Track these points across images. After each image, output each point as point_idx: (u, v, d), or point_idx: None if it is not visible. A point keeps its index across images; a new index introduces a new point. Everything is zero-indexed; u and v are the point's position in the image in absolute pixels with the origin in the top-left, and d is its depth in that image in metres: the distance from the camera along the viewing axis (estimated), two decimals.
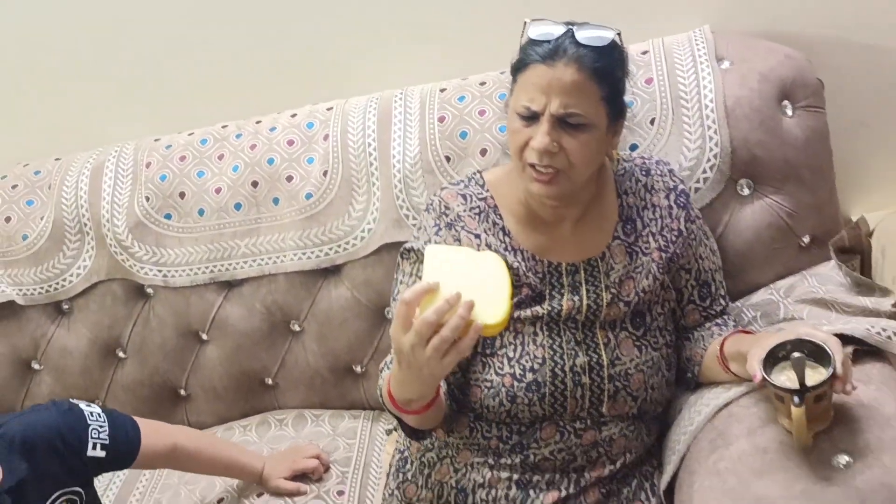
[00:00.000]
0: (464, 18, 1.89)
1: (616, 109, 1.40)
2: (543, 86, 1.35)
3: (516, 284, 1.45)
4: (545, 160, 1.36)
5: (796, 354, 1.22)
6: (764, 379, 1.24)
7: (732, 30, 1.75)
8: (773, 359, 1.26)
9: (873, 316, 1.42)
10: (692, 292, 1.52)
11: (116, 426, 1.45)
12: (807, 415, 1.20)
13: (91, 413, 1.43)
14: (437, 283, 1.22)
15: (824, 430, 1.25)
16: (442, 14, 1.89)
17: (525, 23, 1.40)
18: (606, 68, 1.36)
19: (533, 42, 1.37)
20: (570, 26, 1.36)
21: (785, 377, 1.24)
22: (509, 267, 1.31)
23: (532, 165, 1.38)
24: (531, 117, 1.36)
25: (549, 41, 1.35)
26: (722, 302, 1.54)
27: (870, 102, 1.86)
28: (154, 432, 1.52)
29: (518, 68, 1.39)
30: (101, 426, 1.42)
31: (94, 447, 1.40)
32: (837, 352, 1.23)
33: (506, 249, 1.47)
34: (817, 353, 1.23)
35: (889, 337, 1.34)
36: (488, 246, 1.47)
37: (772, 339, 1.28)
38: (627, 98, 1.63)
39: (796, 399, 1.20)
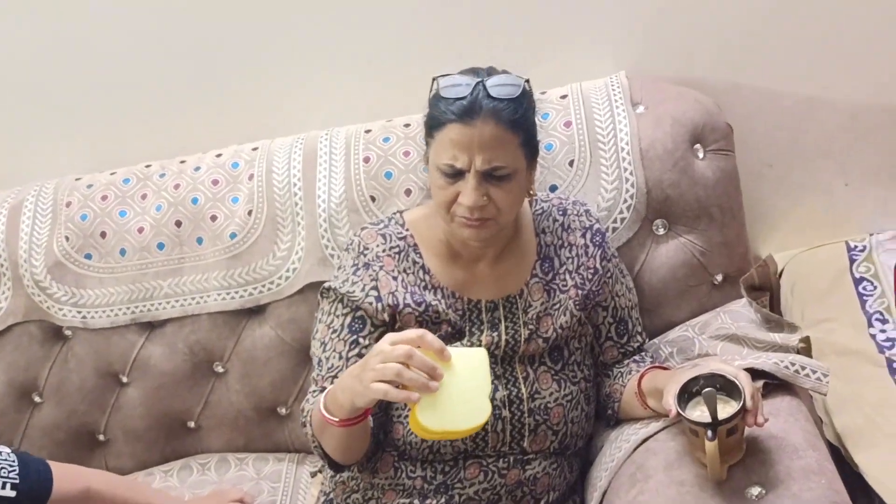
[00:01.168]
0: (388, 61, 1.92)
1: (532, 150, 1.44)
2: (465, 144, 1.36)
3: (436, 321, 1.48)
4: (476, 213, 1.39)
5: (707, 389, 1.26)
6: (678, 414, 1.28)
7: (646, 75, 1.82)
8: (688, 394, 1.31)
9: (782, 351, 1.47)
10: (609, 329, 1.56)
11: (27, 467, 1.41)
12: (720, 448, 1.24)
13: (0, 452, 1.40)
14: (450, 357, 1.22)
15: (737, 462, 1.29)
16: (367, 57, 1.93)
17: (434, 80, 1.42)
18: (523, 117, 1.39)
19: (445, 99, 1.38)
20: (479, 79, 1.38)
21: (699, 412, 1.28)
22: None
23: (462, 216, 1.41)
24: (456, 174, 1.39)
25: (462, 98, 1.37)
26: (639, 339, 1.59)
27: (774, 145, 1.94)
28: (67, 475, 1.47)
29: (433, 125, 1.40)
30: (10, 465, 1.38)
31: (4, 486, 1.36)
32: (747, 385, 1.27)
33: (425, 288, 1.49)
34: (729, 388, 1.28)
35: (797, 371, 1.40)
36: (407, 284, 1.49)
37: (686, 374, 1.32)
38: (548, 141, 1.70)
39: (709, 433, 1.24)
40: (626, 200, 1.66)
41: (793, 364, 1.41)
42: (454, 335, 1.48)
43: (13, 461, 1.39)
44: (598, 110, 1.72)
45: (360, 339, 1.48)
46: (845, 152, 1.95)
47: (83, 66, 1.96)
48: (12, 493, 1.37)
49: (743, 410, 1.25)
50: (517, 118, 1.38)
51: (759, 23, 1.84)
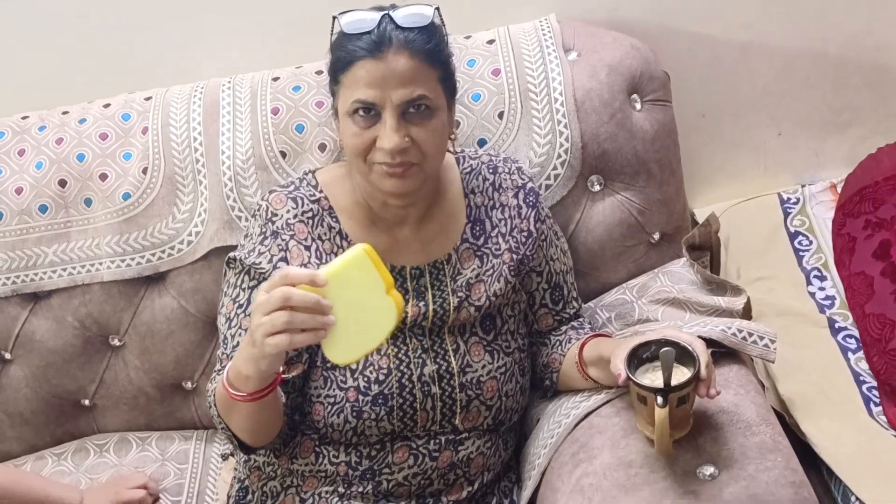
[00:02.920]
0: (292, 3, 1.75)
1: (451, 88, 1.33)
2: (378, 80, 1.25)
3: None
4: (398, 158, 1.26)
5: (666, 349, 1.17)
6: (628, 378, 1.19)
7: (576, 19, 1.71)
8: (637, 360, 1.22)
9: (727, 316, 1.40)
10: (544, 296, 1.46)
11: None
12: (669, 418, 1.15)
13: None
14: (325, 281, 1.07)
15: (685, 436, 1.22)
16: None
17: (334, 17, 1.29)
18: (436, 48, 1.29)
19: (350, 36, 1.27)
20: (384, 11, 1.27)
21: (648, 379, 1.20)
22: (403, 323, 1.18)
23: (382, 163, 1.28)
24: (370, 114, 1.26)
25: (368, 32, 1.25)
26: (575, 304, 1.50)
27: (707, 94, 1.88)
28: None
29: (340, 68, 1.28)
30: None
31: None
32: (702, 354, 1.20)
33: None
34: (681, 356, 1.19)
35: (744, 338, 1.32)
36: (322, 251, 1.36)
37: (636, 339, 1.24)
38: (475, 91, 1.57)
39: (660, 399, 1.15)
40: (559, 156, 1.54)
41: (740, 331, 1.33)
42: None
43: None
44: (528, 57, 1.59)
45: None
46: (778, 102, 1.90)
47: None
48: None
49: (696, 379, 1.17)
50: (431, 48, 1.27)
51: None
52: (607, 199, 1.57)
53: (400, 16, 1.26)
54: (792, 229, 1.79)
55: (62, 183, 1.63)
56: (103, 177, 1.62)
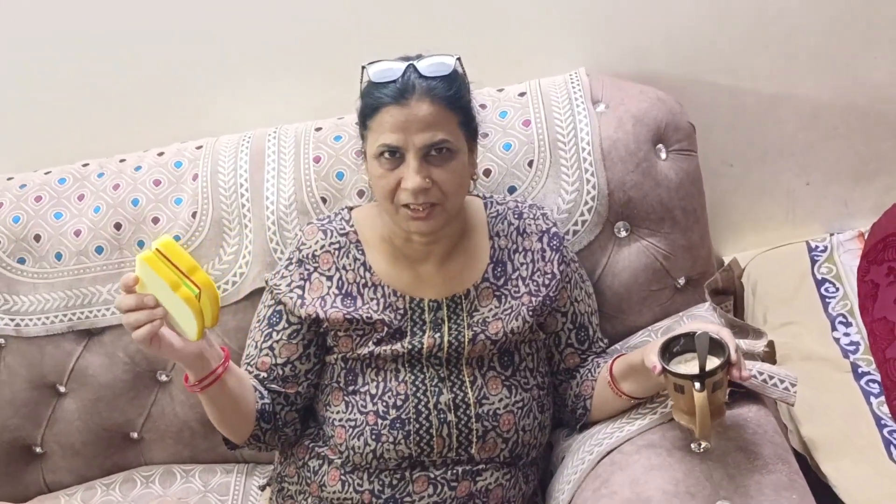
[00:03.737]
0: (335, 58, 1.84)
1: (471, 132, 1.41)
2: (401, 124, 1.33)
3: (367, 330, 1.44)
4: (420, 198, 1.35)
5: (700, 332, 1.24)
6: (664, 369, 1.25)
7: (605, 72, 1.78)
8: (669, 354, 1.28)
9: (748, 358, 1.43)
10: (569, 335, 1.51)
11: None
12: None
13: None
14: (135, 281, 1.25)
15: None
16: (313, 53, 1.85)
17: (363, 67, 1.38)
18: (456, 94, 1.36)
19: (377, 85, 1.35)
20: (409, 61, 1.36)
21: (683, 369, 1.25)
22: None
23: (406, 205, 1.36)
24: (395, 156, 1.35)
25: (394, 81, 1.34)
26: (601, 344, 1.55)
27: (734, 143, 1.91)
28: None
29: (367, 114, 1.38)
30: None
31: None
32: (730, 340, 1.26)
33: (365, 286, 1.46)
34: (710, 347, 1.25)
35: (764, 381, 1.36)
36: (344, 281, 1.45)
37: (665, 337, 1.30)
38: (506, 140, 1.64)
39: (697, 385, 1.21)
40: (587, 202, 1.60)
41: (760, 373, 1.36)
42: (394, 335, 1.44)
43: None
44: (557, 109, 1.66)
45: (274, 333, 1.47)
46: (806, 151, 1.93)
47: (13, 60, 1.86)
48: None
49: (728, 364, 1.23)
50: (452, 95, 1.35)
51: (720, 19, 1.81)
52: (633, 244, 1.62)
53: (423, 66, 1.34)
54: (819, 276, 1.82)
55: (117, 226, 1.72)
56: (155, 220, 1.72)
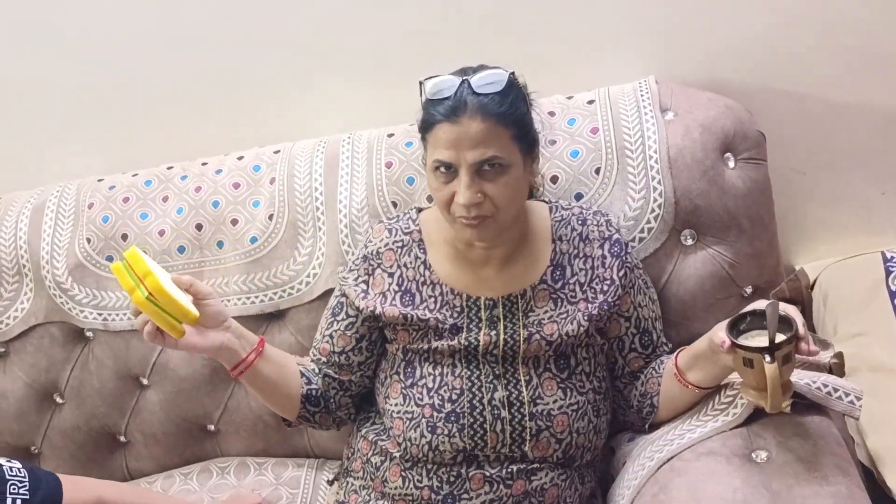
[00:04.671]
0: (410, 65, 1.84)
1: (528, 144, 1.43)
2: (453, 142, 1.37)
3: (423, 319, 1.49)
4: (473, 211, 1.39)
5: (770, 303, 1.25)
6: (733, 344, 1.27)
7: (675, 80, 1.78)
8: (735, 332, 1.30)
9: (814, 369, 1.43)
10: (633, 340, 1.53)
11: (38, 482, 1.41)
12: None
13: (10, 468, 1.40)
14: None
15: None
16: (389, 60, 1.90)
17: (420, 83, 1.42)
18: (509, 110, 1.38)
19: (432, 101, 1.39)
20: (464, 77, 1.38)
21: (751, 343, 1.27)
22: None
23: (461, 216, 1.41)
24: (449, 171, 1.39)
25: (447, 98, 1.37)
26: (665, 348, 1.56)
27: (806, 151, 1.89)
28: (76, 487, 1.48)
29: (425, 128, 1.42)
30: (21, 481, 1.39)
31: (14, 502, 1.37)
32: (796, 315, 1.27)
33: (423, 283, 1.51)
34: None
35: (829, 393, 1.35)
36: (405, 278, 1.51)
37: (726, 320, 1.32)
38: (574, 147, 1.66)
39: (768, 357, 1.23)
40: (653, 210, 1.61)
41: (825, 385, 1.36)
42: (451, 331, 1.48)
43: (23, 476, 1.39)
44: (625, 116, 1.68)
45: (335, 322, 1.57)
46: (881, 159, 1.89)
47: (104, 67, 1.96)
48: None
49: (796, 337, 1.25)
50: (504, 111, 1.37)
51: (790, 26, 1.79)
52: (699, 252, 1.63)
53: (476, 81, 1.37)
54: (893, 287, 1.79)
55: (198, 227, 1.80)
56: (234, 222, 1.79)
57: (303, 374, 1.57)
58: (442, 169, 1.39)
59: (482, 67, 1.41)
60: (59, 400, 1.89)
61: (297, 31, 1.90)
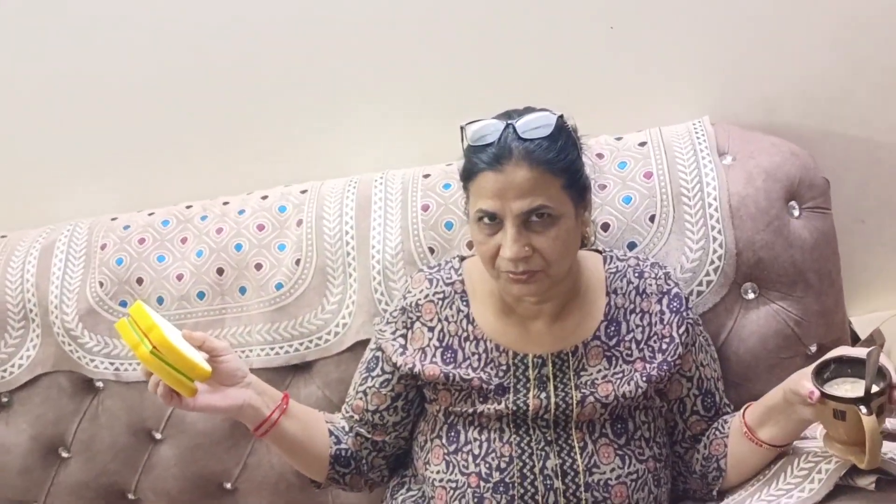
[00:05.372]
0: (445, 103, 1.79)
1: (578, 192, 1.32)
2: (498, 191, 1.27)
3: (466, 379, 1.38)
4: (521, 266, 1.29)
5: (871, 348, 1.15)
6: (822, 394, 1.16)
7: (729, 121, 1.68)
8: (819, 381, 1.19)
9: (891, 439, 1.31)
10: (695, 402, 1.42)
11: None
12: None
13: None
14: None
15: None
16: (421, 97, 1.80)
17: (461, 128, 1.31)
18: (558, 156, 1.27)
19: (475, 148, 1.29)
20: (509, 120, 1.28)
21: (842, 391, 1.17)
22: None
23: (507, 271, 1.30)
24: (494, 221, 1.29)
25: (491, 144, 1.27)
26: (727, 410, 1.45)
27: (866, 199, 1.80)
28: None
29: (467, 177, 1.32)
30: None
31: None
32: (887, 362, 1.17)
33: (466, 339, 1.40)
34: (855, 373, 1.18)
35: None
36: (446, 333, 1.41)
37: (807, 368, 1.21)
38: (626, 193, 1.56)
39: (863, 408, 1.12)
40: (713, 262, 1.51)
41: None
42: (497, 392, 1.37)
43: None
44: (681, 160, 1.57)
45: (370, 378, 1.46)
46: None
47: (119, 99, 1.86)
48: None
49: (890, 386, 1.14)
50: (552, 158, 1.27)
51: (855, 69, 1.70)
52: (762, 308, 1.52)
53: (522, 125, 1.27)
54: None
55: (220, 271, 1.69)
56: (258, 266, 1.68)
57: (331, 433, 1.46)
58: (486, 220, 1.29)
59: (528, 110, 1.31)
60: (65, 454, 1.77)
61: (325, 65, 1.80)
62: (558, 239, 1.29)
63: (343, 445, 1.46)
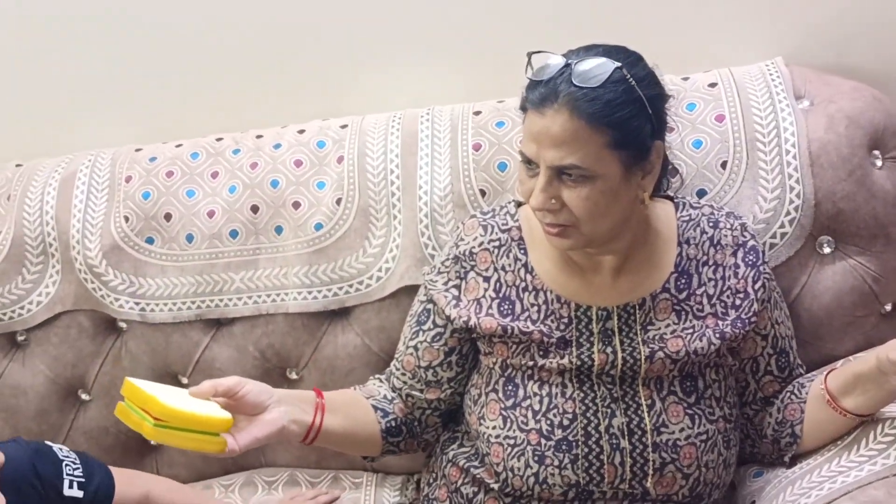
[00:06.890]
0: (496, 37, 1.67)
1: (632, 154, 1.20)
2: (535, 136, 1.20)
3: (525, 332, 1.30)
4: (548, 218, 1.21)
5: None
6: None
7: (800, 63, 1.58)
8: None
9: None
10: (769, 361, 1.34)
11: (90, 467, 1.29)
12: None
13: (60, 450, 1.29)
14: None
15: None
16: (471, 32, 1.68)
17: (528, 55, 1.22)
18: (607, 111, 1.17)
19: (531, 83, 1.22)
20: (570, 61, 1.18)
21: None
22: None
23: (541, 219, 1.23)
24: (531, 164, 1.21)
25: (542, 82, 1.19)
26: (800, 371, 1.37)
27: None
28: (127, 479, 1.36)
29: (523, 109, 1.24)
30: (74, 464, 1.28)
31: (71, 486, 1.26)
32: None
33: (525, 289, 1.31)
34: None
35: None
36: (503, 283, 1.32)
37: None
38: (695, 137, 1.46)
39: None
40: (788, 213, 1.41)
41: None
42: (559, 346, 1.28)
43: (75, 460, 1.29)
44: (756, 104, 1.47)
45: (420, 332, 1.38)
46: None
47: (137, 25, 1.73)
48: (80, 494, 1.27)
49: None
50: (596, 111, 1.16)
51: None
52: (838, 263, 1.43)
53: (578, 69, 1.17)
54: None
55: (254, 209, 1.59)
56: (296, 205, 1.57)
57: (375, 408, 1.38)
58: (525, 162, 1.22)
59: (593, 53, 1.20)
60: (85, 397, 1.68)
61: None
62: (589, 200, 1.19)
63: (391, 416, 1.38)
